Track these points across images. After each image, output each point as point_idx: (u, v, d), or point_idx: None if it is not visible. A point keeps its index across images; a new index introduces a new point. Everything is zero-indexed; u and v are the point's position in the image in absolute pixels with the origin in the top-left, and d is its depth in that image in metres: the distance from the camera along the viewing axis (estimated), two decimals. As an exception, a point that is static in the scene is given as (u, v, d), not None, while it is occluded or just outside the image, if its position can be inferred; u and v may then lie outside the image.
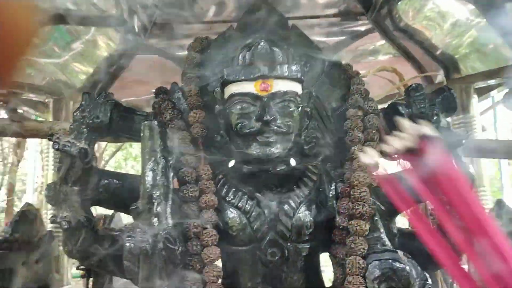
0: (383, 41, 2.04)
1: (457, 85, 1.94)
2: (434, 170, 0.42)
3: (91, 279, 2.79)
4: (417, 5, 1.84)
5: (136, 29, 1.92)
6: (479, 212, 0.42)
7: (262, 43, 0.87)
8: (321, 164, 0.95)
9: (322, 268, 0.93)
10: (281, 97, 0.85)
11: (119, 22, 1.79)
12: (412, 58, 2.13)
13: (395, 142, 0.46)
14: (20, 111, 1.76)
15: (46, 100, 1.71)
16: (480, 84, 1.90)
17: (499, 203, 1.46)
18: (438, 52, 1.95)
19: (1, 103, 1.77)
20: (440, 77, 2.07)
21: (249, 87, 0.84)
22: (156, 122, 0.79)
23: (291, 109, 0.85)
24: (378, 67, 1.08)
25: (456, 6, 1.67)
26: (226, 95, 0.87)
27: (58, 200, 0.85)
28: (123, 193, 0.90)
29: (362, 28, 2.10)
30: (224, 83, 0.87)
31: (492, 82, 1.88)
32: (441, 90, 0.96)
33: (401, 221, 1.09)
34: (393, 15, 1.94)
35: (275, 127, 0.83)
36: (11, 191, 4.53)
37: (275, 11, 1.05)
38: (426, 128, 0.44)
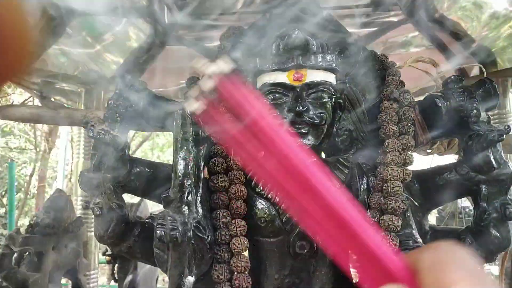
0: (415, 33, 1.98)
1: (493, 79, 1.87)
2: (238, 111, 0.36)
3: (116, 265, 2.86)
4: None
5: (166, 20, 1.94)
6: (293, 156, 0.34)
7: (296, 33, 0.85)
8: (353, 157, 0.93)
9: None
10: (315, 88, 0.83)
11: (149, 13, 1.82)
12: (446, 50, 2.06)
13: (193, 89, 0.39)
14: (52, 99, 1.82)
15: (79, 90, 1.75)
16: None
17: None
18: (474, 44, 1.88)
19: (35, 91, 1.82)
20: (475, 70, 2.00)
21: (282, 77, 0.83)
22: (188, 111, 0.79)
23: (324, 100, 0.83)
24: (415, 57, 1.04)
25: None
26: (259, 85, 0.86)
27: (91, 187, 0.87)
28: (154, 181, 0.90)
29: (395, 19, 2.05)
30: (257, 73, 0.86)
31: None
32: (482, 82, 0.92)
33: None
34: (428, 5, 1.87)
35: (307, 118, 0.81)
36: (42, 177, 4.70)
37: (310, 0, 1.02)
38: (221, 64, 0.38)
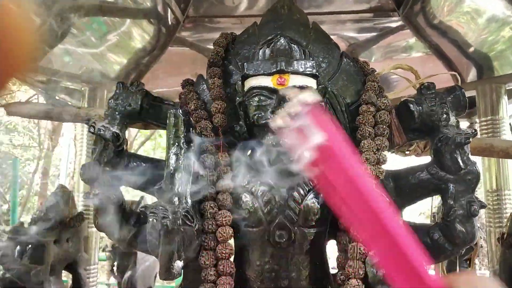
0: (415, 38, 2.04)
1: (488, 85, 1.93)
2: (317, 139, 0.43)
3: (115, 262, 2.92)
4: (451, 1, 1.83)
5: (169, 22, 2.02)
6: (362, 188, 0.41)
7: (281, 40, 0.93)
8: (333, 157, 1.01)
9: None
10: None
11: (153, 15, 1.89)
12: (443, 56, 2.12)
13: (280, 115, 0.46)
14: (57, 98, 1.89)
15: (82, 89, 1.82)
16: None
17: None
18: (471, 50, 1.93)
19: (40, 89, 1.90)
20: (472, 76, 2.06)
21: (266, 81, 0.91)
22: (180, 111, 0.87)
23: None
24: (394, 65, 1.12)
25: (493, 1, 1.65)
26: (245, 88, 0.94)
27: (91, 179, 0.95)
28: (150, 175, 0.98)
29: (394, 25, 2.12)
30: (244, 77, 0.94)
31: None
32: (453, 89, 0.99)
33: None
34: (427, 11, 1.94)
35: None
36: (45, 175, 4.79)
37: (297, 9, 1.10)
38: (306, 94, 0.45)
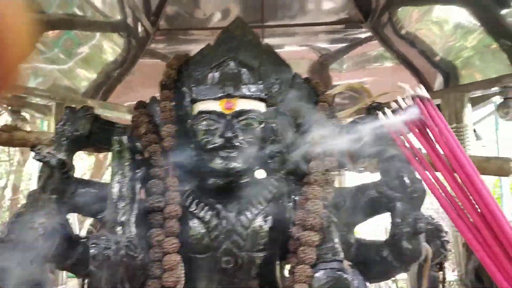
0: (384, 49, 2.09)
1: (452, 93, 1.98)
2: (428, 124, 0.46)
3: (86, 280, 2.84)
4: (418, 10, 1.88)
5: (140, 35, 2.01)
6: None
7: (231, 64, 0.94)
8: (285, 178, 1.01)
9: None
10: (244, 115, 0.91)
11: (123, 27, 1.88)
12: (411, 66, 2.17)
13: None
14: (24, 114, 1.85)
15: (49, 104, 1.78)
16: (477, 93, 1.93)
17: None
18: (437, 58, 1.98)
19: (6, 106, 1.86)
20: (438, 84, 2.11)
21: (214, 105, 0.91)
22: (125, 138, 0.87)
23: (253, 127, 0.91)
24: (346, 85, 1.13)
25: (458, 10, 1.68)
26: (194, 112, 0.94)
27: (37, 207, 0.93)
28: (98, 201, 0.97)
29: (363, 36, 2.16)
30: (193, 101, 0.94)
31: (490, 91, 1.91)
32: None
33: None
34: (394, 22, 1.98)
35: (237, 143, 0.89)
36: (16, 190, 4.65)
37: (250, 31, 1.11)
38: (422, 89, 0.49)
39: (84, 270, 0.94)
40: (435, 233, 1.98)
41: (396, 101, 0.75)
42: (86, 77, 1.97)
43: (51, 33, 1.68)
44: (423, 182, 0.95)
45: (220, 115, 0.90)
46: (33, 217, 0.91)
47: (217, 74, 0.93)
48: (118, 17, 1.83)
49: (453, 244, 1.97)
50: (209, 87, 0.92)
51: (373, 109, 1.00)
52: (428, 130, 0.47)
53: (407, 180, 0.93)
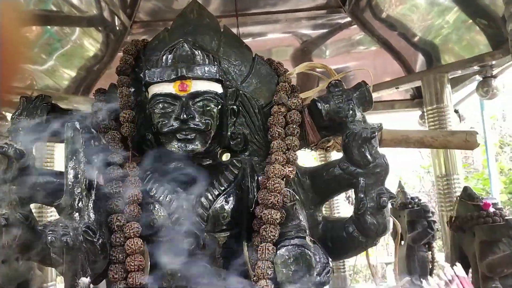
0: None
1: (432, 75, 1.98)
2: None
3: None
4: None
5: (117, 28, 1.99)
6: None
7: (184, 45, 0.92)
8: (248, 159, 1.01)
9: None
10: (200, 97, 0.90)
11: (100, 22, 1.87)
12: (392, 48, 2.17)
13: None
14: (4, 112, 1.84)
15: None
16: (458, 73, 1.93)
17: (465, 190, 1.54)
18: (416, 39, 1.98)
19: (-17, 105, 1.83)
20: (420, 64, 2.10)
21: (168, 88, 0.90)
22: (77, 123, 0.85)
23: (209, 108, 0.90)
24: (307, 64, 1.12)
25: None
26: (149, 95, 0.93)
27: (-3, 198, 0.92)
28: (60, 190, 0.96)
29: (342, 21, 2.14)
30: (147, 84, 0.92)
31: (469, 71, 1.91)
32: (358, 85, 1.01)
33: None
34: (373, 5, 1.97)
35: (193, 125, 0.88)
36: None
37: (207, 14, 1.10)
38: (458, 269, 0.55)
39: (50, 260, 0.93)
40: (421, 214, 2.00)
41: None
42: (66, 73, 1.96)
43: (30, 33, 1.68)
44: (385, 157, 0.96)
45: (175, 97, 0.89)
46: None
47: (170, 56, 0.92)
48: (94, 11, 1.81)
49: (439, 223, 1.99)
50: (162, 70, 0.91)
51: (332, 86, 0.99)
52: None
53: (369, 156, 0.93)
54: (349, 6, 2.03)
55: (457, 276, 0.50)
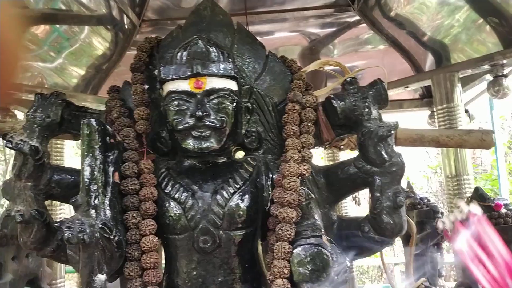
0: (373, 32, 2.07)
1: (442, 74, 1.97)
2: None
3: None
4: None
5: (126, 26, 1.99)
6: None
7: (199, 42, 0.92)
8: (262, 156, 1.00)
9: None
10: (215, 94, 0.89)
11: (109, 20, 1.87)
12: (401, 47, 2.15)
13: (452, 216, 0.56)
14: (13, 110, 1.85)
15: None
16: (468, 72, 1.91)
17: (477, 190, 1.53)
18: (426, 38, 1.96)
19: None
20: (430, 64, 2.09)
21: (183, 85, 0.89)
22: (94, 120, 0.85)
23: (224, 105, 0.90)
24: (321, 61, 1.11)
25: None
26: (164, 93, 0.92)
27: (13, 195, 0.92)
28: (74, 187, 0.96)
29: (351, 20, 2.13)
30: (162, 81, 0.92)
31: (480, 70, 1.89)
32: (374, 83, 1.00)
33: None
34: (382, 4, 1.96)
35: (208, 122, 0.88)
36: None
37: (221, 11, 1.09)
38: (474, 207, 0.54)
39: (65, 256, 0.93)
40: (431, 214, 1.99)
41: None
42: (75, 72, 1.97)
43: (39, 31, 1.69)
44: (401, 156, 0.95)
45: (190, 94, 0.89)
46: (10, 206, 0.90)
47: (185, 53, 0.91)
48: (104, 10, 1.82)
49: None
50: (177, 67, 0.90)
51: (348, 84, 0.98)
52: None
53: (385, 155, 0.92)
54: (358, 4, 2.02)
55: (473, 214, 0.49)
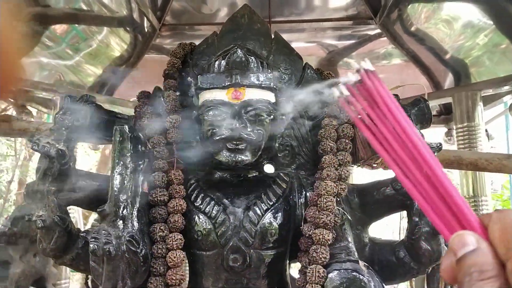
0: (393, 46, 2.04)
1: (464, 92, 1.93)
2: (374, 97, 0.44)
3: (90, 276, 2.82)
4: (428, 8, 1.83)
5: (146, 29, 1.98)
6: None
7: (238, 51, 0.88)
8: (295, 172, 0.96)
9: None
10: (253, 106, 0.86)
11: (129, 23, 1.86)
12: (421, 63, 2.12)
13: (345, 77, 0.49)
14: (29, 108, 1.83)
15: (55, 98, 1.76)
16: (489, 92, 1.88)
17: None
18: (447, 56, 1.94)
19: (12, 100, 1.83)
20: (449, 82, 2.05)
21: (221, 95, 0.86)
22: (127, 127, 0.82)
23: (262, 118, 0.86)
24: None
25: (469, 8, 1.64)
26: (200, 102, 0.89)
27: (35, 199, 0.89)
28: (99, 194, 0.92)
29: (372, 32, 2.11)
30: (198, 90, 0.89)
31: (501, 90, 1.85)
32: (417, 101, 0.95)
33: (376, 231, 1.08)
34: (403, 19, 1.93)
35: (244, 135, 0.84)
36: (22, 184, 4.63)
37: (258, 19, 1.06)
38: (367, 63, 0.48)
39: (84, 266, 0.89)
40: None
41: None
42: (92, 72, 1.96)
43: (58, 29, 1.68)
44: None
45: (228, 105, 0.85)
46: (31, 210, 0.86)
47: (223, 62, 0.88)
48: (125, 12, 1.81)
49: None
50: (215, 76, 0.87)
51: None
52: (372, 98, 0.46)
53: (425, 177, 0.87)
54: (380, 18, 1.99)
55: (365, 71, 0.44)
